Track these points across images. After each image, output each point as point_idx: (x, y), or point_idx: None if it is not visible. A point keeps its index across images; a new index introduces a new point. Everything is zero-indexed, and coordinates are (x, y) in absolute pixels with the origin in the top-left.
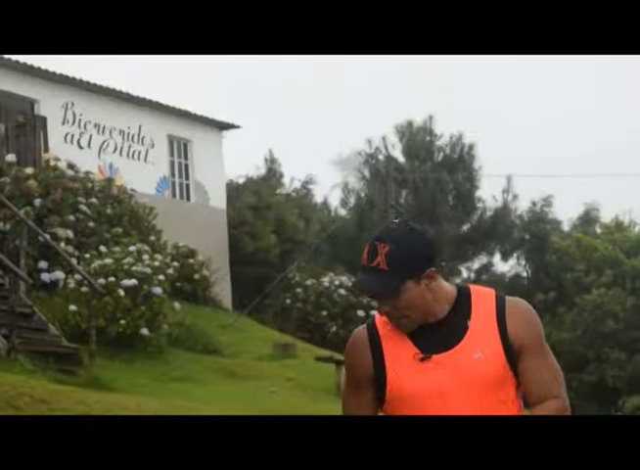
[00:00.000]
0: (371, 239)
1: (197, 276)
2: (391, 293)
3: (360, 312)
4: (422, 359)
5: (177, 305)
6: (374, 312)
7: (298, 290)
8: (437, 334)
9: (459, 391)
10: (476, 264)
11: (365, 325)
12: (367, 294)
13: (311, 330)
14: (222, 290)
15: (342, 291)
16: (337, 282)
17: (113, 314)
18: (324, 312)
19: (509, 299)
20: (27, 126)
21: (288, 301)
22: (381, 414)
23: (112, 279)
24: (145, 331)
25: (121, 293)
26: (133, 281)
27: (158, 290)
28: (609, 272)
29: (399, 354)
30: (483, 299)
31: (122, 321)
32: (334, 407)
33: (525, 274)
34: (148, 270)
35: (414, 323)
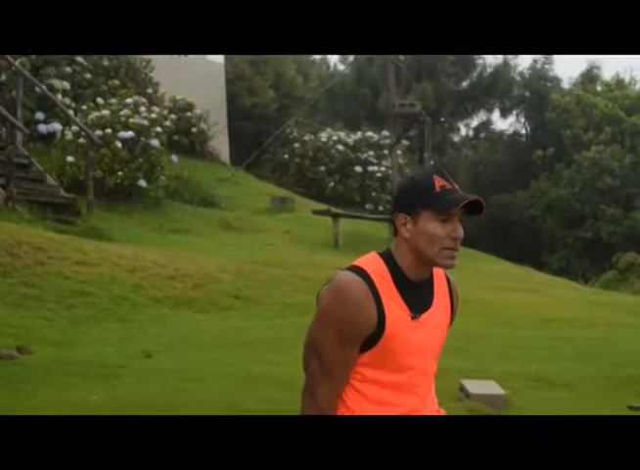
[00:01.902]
0: (435, 171)
1: (194, 130)
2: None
3: (358, 168)
4: (413, 318)
5: (175, 157)
6: (372, 168)
7: (296, 145)
8: (420, 295)
9: (431, 349)
10: (474, 122)
11: (356, 276)
12: (456, 213)
13: (309, 185)
14: (220, 144)
15: (340, 146)
16: (335, 137)
17: (110, 166)
18: (322, 168)
19: (450, 277)
20: None
21: (285, 156)
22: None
23: (109, 131)
24: (142, 182)
25: (119, 144)
26: (130, 133)
27: (155, 142)
28: (608, 130)
29: (396, 312)
30: (437, 269)
31: (120, 173)
32: (330, 259)
33: (523, 132)
34: (145, 122)
35: None
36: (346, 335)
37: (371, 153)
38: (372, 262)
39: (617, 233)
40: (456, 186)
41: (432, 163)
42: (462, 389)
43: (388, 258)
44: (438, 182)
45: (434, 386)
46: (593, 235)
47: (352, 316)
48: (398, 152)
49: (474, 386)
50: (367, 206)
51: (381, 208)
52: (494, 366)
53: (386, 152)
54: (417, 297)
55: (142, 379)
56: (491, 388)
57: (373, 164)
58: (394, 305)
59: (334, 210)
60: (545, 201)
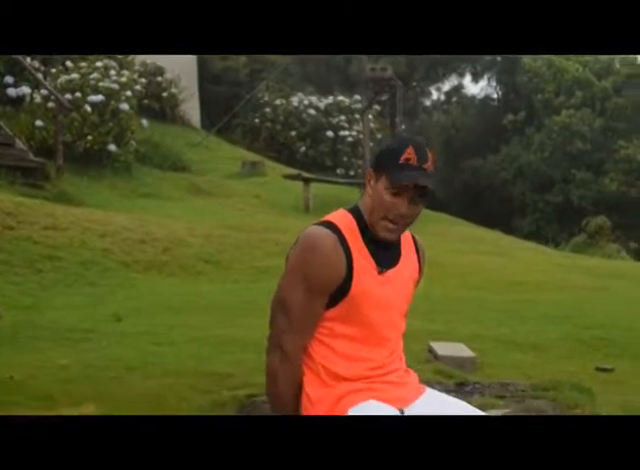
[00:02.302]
0: (415, 142)
1: (165, 94)
2: (433, 196)
3: (329, 133)
4: (379, 273)
5: (145, 121)
6: (344, 133)
7: (267, 110)
8: (387, 251)
9: (397, 304)
10: (446, 86)
11: (326, 229)
12: (409, 191)
13: (280, 150)
14: (191, 108)
15: (312, 111)
16: (306, 102)
17: (79, 130)
18: (293, 132)
19: (416, 237)
20: None
21: (257, 120)
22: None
23: (78, 95)
24: (112, 147)
25: (88, 108)
26: (100, 97)
27: (125, 106)
28: (579, 94)
29: (364, 266)
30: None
31: (89, 137)
32: (301, 223)
33: (495, 96)
34: (115, 86)
35: (401, 233)
36: (316, 286)
37: (342, 117)
38: (342, 217)
39: (588, 197)
40: (426, 164)
41: (403, 127)
42: (431, 351)
43: (356, 213)
44: (407, 154)
45: (404, 346)
46: (563, 199)
47: (322, 268)
48: (370, 116)
49: (442, 348)
50: (338, 170)
51: (352, 172)
52: (463, 329)
53: (357, 116)
54: (384, 253)
55: (112, 343)
56: (460, 350)
57: (344, 128)
58: (362, 259)
59: (305, 174)
60: (516, 165)
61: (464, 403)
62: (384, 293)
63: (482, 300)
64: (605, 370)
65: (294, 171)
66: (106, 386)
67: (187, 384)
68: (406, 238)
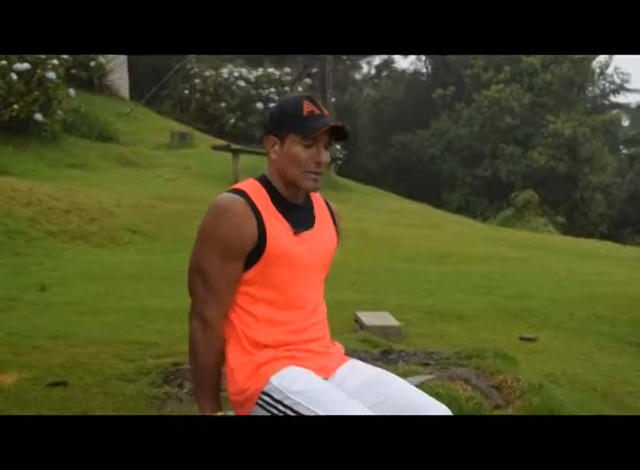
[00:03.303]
0: (305, 96)
1: (93, 63)
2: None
3: (259, 105)
4: (294, 233)
5: (72, 91)
6: (274, 105)
7: (197, 81)
8: (300, 214)
9: (316, 263)
10: (376, 60)
11: (234, 195)
12: (323, 138)
13: (209, 121)
14: (119, 78)
15: (242, 83)
16: (236, 73)
17: (5, 98)
18: (222, 104)
19: (330, 203)
20: None
21: (186, 91)
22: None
23: (4, 63)
24: (39, 116)
25: (14, 76)
26: (26, 65)
27: (51, 74)
28: (507, 69)
29: (277, 226)
30: (315, 194)
31: (15, 105)
32: None
33: (424, 70)
34: (41, 54)
35: (321, 181)
36: (229, 250)
37: (272, 89)
38: (250, 185)
39: (516, 172)
40: (325, 112)
41: (333, 100)
42: (357, 320)
43: (264, 180)
44: (307, 107)
45: (331, 316)
46: (492, 174)
47: (234, 230)
48: (300, 89)
49: (368, 317)
50: None
51: None
52: (391, 299)
53: (287, 89)
54: (297, 216)
55: (36, 312)
56: (385, 319)
57: (274, 100)
58: (275, 221)
59: (233, 145)
60: (445, 140)
61: (383, 371)
62: (301, 252)
63: (410, 271)
64: (528, 340)
65: (223, 143)
66: (28, 354)
67: (111, 352)
68: (319, 203)
